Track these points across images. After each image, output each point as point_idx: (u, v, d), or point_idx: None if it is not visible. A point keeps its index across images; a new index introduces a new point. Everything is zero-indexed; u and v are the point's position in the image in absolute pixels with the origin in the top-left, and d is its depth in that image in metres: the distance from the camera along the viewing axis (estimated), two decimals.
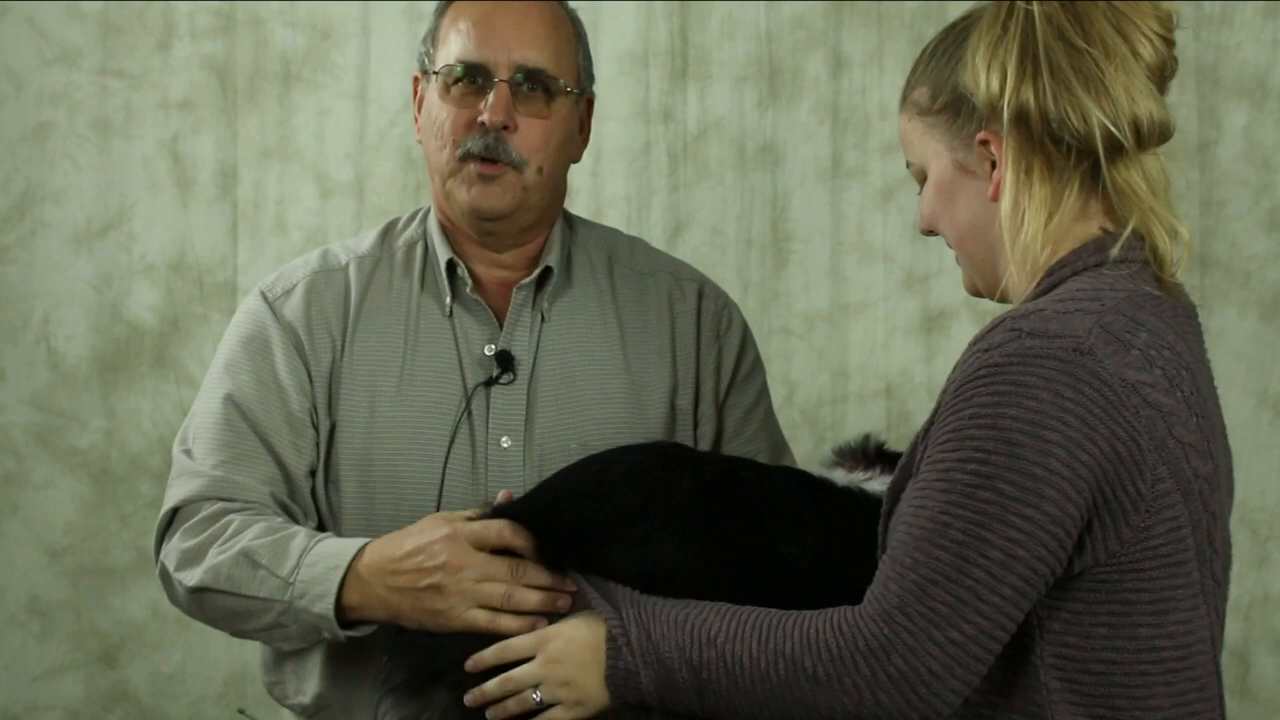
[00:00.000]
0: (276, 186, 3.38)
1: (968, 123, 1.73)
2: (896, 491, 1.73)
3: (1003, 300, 1.81)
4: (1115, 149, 1.66)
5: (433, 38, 2.27)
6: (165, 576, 2.14)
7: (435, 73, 2.22)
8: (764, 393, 2.37)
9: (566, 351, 2.24)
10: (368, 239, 2.32)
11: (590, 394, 2.22)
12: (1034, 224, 1.68)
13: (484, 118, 2.17)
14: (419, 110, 2.28)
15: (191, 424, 2.23)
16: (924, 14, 3.45)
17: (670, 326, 2.30)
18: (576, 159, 2.31)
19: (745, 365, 2.35)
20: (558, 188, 2.28)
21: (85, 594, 3.35)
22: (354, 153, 3.40)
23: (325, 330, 2.22)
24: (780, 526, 1.88)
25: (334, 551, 2.02)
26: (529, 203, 2.21)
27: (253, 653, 3.38)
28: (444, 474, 2.16)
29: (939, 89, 1.77)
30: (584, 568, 1.88)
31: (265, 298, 2.25)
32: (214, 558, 2.06)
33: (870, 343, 3.49)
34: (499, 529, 1.93)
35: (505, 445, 2.18)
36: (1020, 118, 1.66)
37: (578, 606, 1.86)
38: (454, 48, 2.21)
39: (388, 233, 2.32)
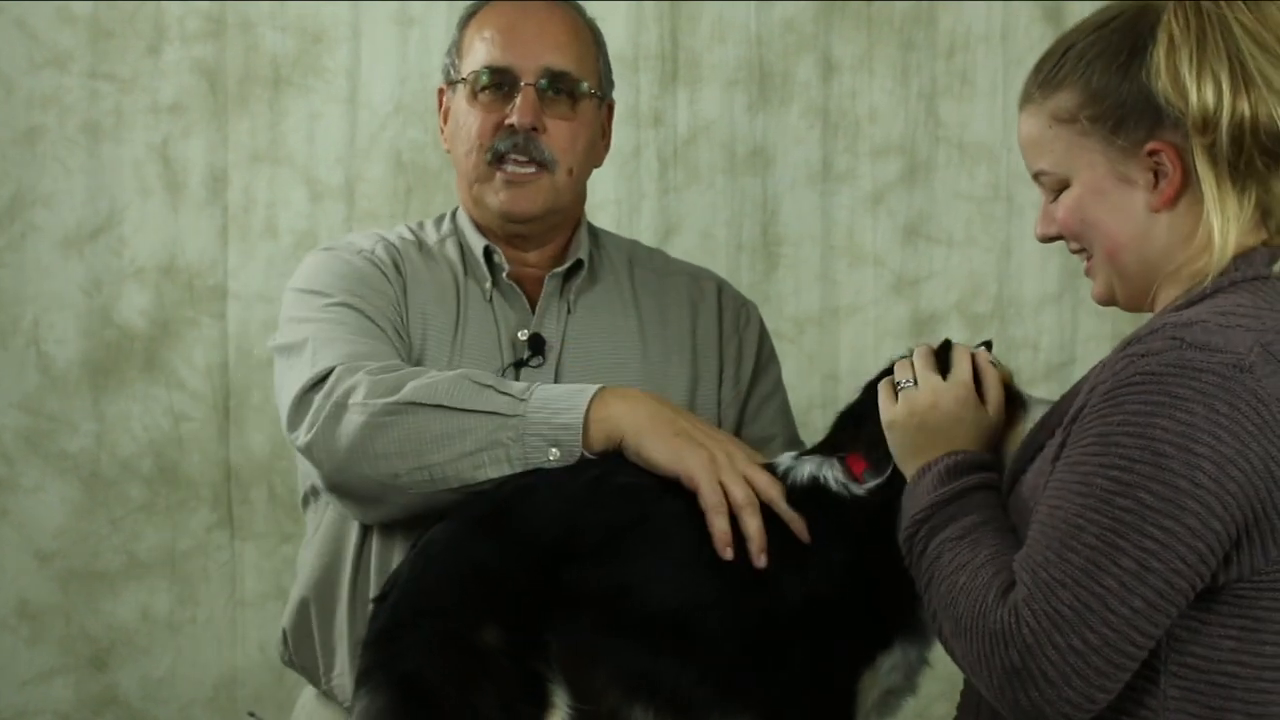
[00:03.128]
0: (267, 190, 3.38)
1: (1133, 132, 1.68)
2: (1016, 475, 1.75)
3: (1132, 309, 1.79)
4: None
5: (457, 49, 2.32)
6: (335, 415, 2.03)
7: (461, 80, 2.28)
8: (780, 383, 2.45)
9: (590, 340, 2.30)
10: (401, 230, 2.37)
11: (611, 381, 2.23)
12: (1228, 236, 1.66)
13: (512, 120, 2.23)
14: (445, 121, 2.35)
15: (297, 328, 2.18)
16: (914, 17, 3.46)
17: (691, 323, 2.38)
18: (599, 163, 2.39)
19: (764, 355, 2.43)
20: (582, 191, 2.36)
21: (75, 598, 3.34)
22: (344, 156, 3.40)
23: (400, 280, 2.27)
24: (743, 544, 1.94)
25: (574, 384, 2.07)
26: (559, 204, 2.29)
27: (244, 658, 3.39)
28: None
29: (1097, 96, 1.70)
30: (560, 568, 1.93)
31: (348, 249, 2.28)
32: (426, 379, 2.03)
33: (860, 346, 3.49)
34: (770, 483, 1.98)
35: None
36: (1235, 129, 1.63)
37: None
38: (479, 55, 2.27)
39: (419, 229, 2.38)
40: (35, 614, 3.34)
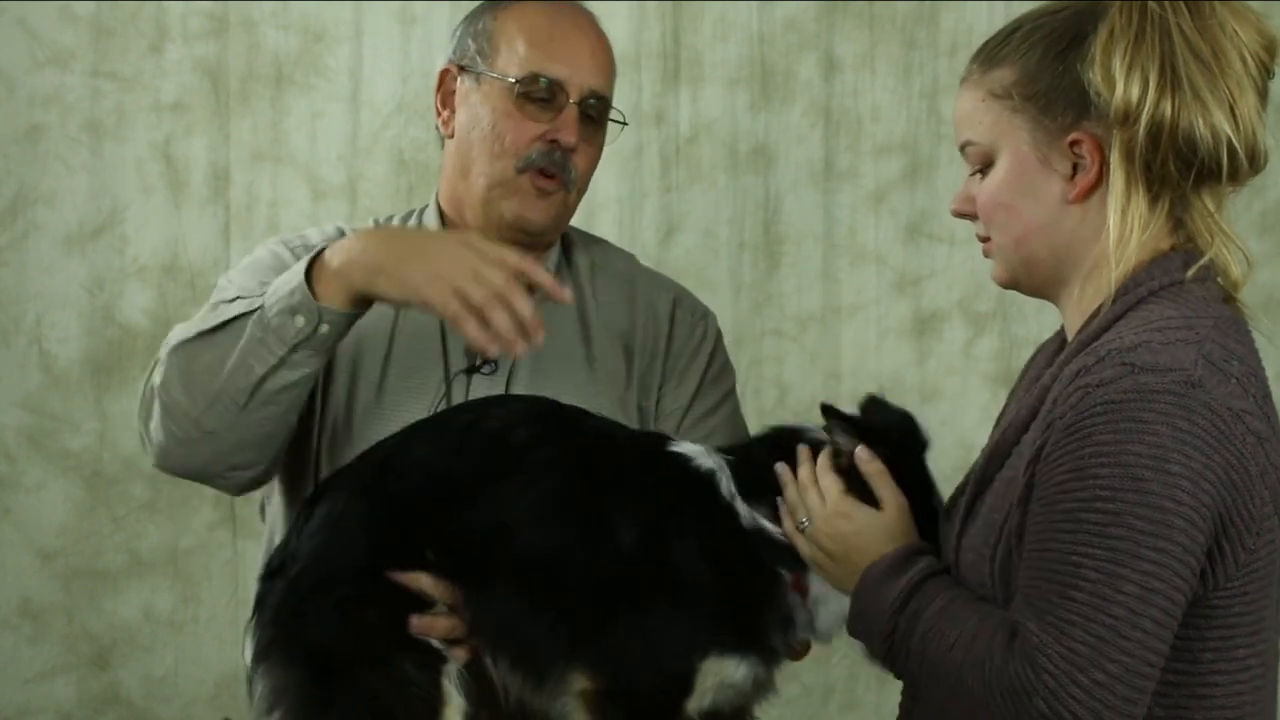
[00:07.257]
0: (269, 189, 3.38)
1: (1060, 117, 1.70)
2: (974, 499, 1.75)
3: (1036, 296, 1.82)
4: (1233, 173, 1.68)
5: (488, 37, 2.25)
6: (147, 409, 2.06)
7: (496, 76, 2.22)
8: (730, 397, 2.39)
9: (541, 348, 2.24)
10: (367, 225, 2.34)
11: (562, 388, 2.20)
12: (1137, 237, 1.68)
13: (558, 137, 2.20)
14: (445, 105, 2.29)
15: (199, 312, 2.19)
16: (916, 16, 3.46)
17: (640, 332, 2.33)
18: None
19: (712, 372, 2.37)
20: None
21: (77, 596, 3.34)
22: (346, 155, 3.40)
23: None
24: (617, 501, 1.94)
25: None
26: (564, 222, 2.29)
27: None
28: None
29: (1032, 76, 1.72)
30: (434, 517, 1.94)
31: (286, 246, 2.26)
32: (188, 323, 2.05)
33: (862, 345, 3.49)
34: (521, 258, 1.98)
35: None
36: (1154, 129, 1.64)
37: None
38: (525, 58, 2.21)
39: (386, 223, 2.35)
40: (37, 612, 3.34)
